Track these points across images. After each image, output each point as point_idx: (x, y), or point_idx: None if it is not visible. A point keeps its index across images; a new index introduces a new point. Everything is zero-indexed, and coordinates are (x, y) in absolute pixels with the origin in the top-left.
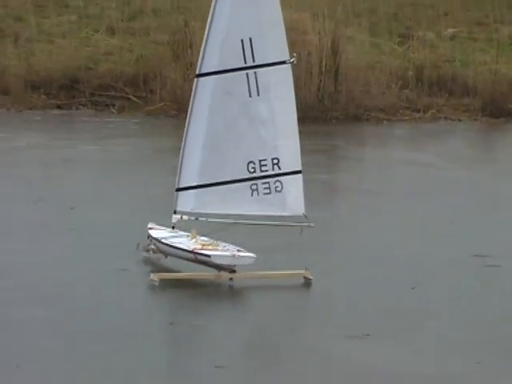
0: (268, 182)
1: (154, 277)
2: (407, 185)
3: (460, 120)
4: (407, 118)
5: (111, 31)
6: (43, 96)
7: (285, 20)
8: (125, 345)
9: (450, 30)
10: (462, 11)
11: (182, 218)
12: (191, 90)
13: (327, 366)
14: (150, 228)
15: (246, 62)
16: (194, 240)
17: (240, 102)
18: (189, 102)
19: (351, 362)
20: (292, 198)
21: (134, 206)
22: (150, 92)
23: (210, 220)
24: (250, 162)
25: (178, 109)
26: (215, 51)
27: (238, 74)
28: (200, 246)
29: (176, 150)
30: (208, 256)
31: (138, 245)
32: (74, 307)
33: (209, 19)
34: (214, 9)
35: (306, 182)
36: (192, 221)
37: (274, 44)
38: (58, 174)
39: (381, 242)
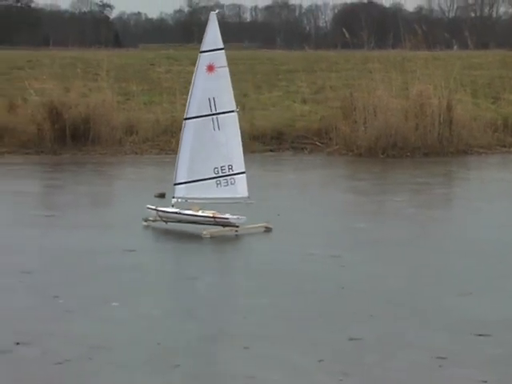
0: (226, 179)
1: (207, 233)
2: (500, 193)
3: None
4: (497, 151)
5: (304, 101)
6: (260, 144)
7: (415, 90)
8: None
9: None
10: None
11: (177, 200)
12: (356, 138)
13: (441, 318)
14: (150, 208)
15: (211, 111)
16: (200, 211)
17: (209, 133)
18: (355, 146)
19: (464, 315)
20: (240, 187)
21: (324, 210)
22: (329, 139)
23: (193, 202)
24: (215, 167)
25: (347, 150)
26: (195, 105)
27: (208, 118)
28: (212, 214)
29: (345, 177)
30: (227, 218)
31: (143, 218)
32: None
33: (191, 87)
34: (194, 82)
35: (430, 195)
36: (183, 202)
37: (227, 101)
38: (269, 194)
39: (478, 228)
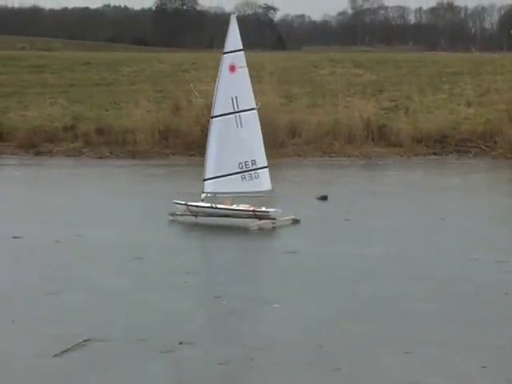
0: (251, 173)
1: (254, 226)
2: None
3: None
4: None
5: (468, 104)
6: (424, 147)
7: None
8: None
9: None
10: None
11: (207, 195)
12: None
13: None
14: (178, 203)
15: (234, 109)
16: (235, 205)
17: (233, 130)
18: None
19: None
20: (264, 181)
21: (489, 215)
22: (494, 143)
23: (221, 195)
24: (240, 162)
25: None
26: (220, 104)
27: (231, 116)
28: (252, 207)
29: (510, 182)
30: (267, 212)
31: (169, 213)
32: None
33: (216, 87)
34: (218, 82)
35: None
36: (212, 197)
37: (247, 99)
38: (433, 198)
39: None
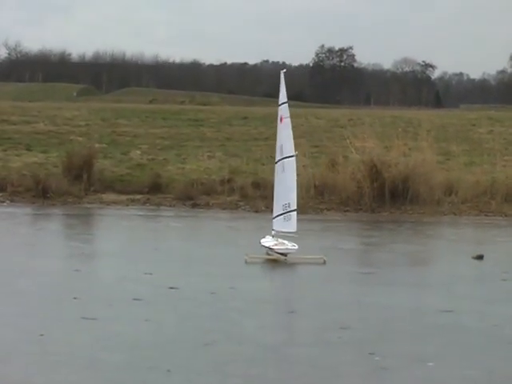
0: (289, 214)
1: (248, 258)
2: None
3: None
4: None
5: None
6: None
7: None
8: None
9: None
10: None
11: (275, 232)
12: None
13: None
14: (263, 237)
15: (282, 156)
16: (274, 242)
17: (280, 175)
18: None
19: None
20: (294, 222)
21: None
22: None
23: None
24: (283, 204)
25: None
26: (277, 151)
27: (280, 162)
28: (273, 244)
29: None
30: (272, 249)
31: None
32: None
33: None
34: (277, 132)
35: None
36: (277, 234)
37: (290, 147)
38: None
39: None
